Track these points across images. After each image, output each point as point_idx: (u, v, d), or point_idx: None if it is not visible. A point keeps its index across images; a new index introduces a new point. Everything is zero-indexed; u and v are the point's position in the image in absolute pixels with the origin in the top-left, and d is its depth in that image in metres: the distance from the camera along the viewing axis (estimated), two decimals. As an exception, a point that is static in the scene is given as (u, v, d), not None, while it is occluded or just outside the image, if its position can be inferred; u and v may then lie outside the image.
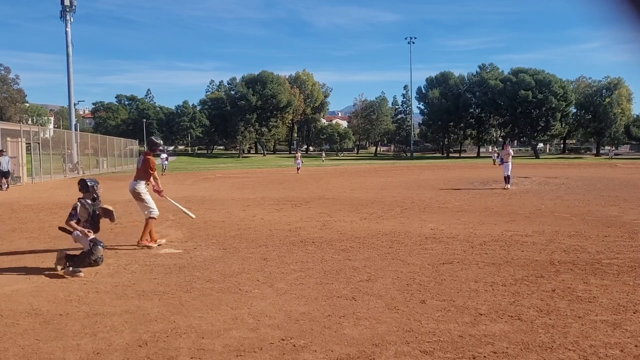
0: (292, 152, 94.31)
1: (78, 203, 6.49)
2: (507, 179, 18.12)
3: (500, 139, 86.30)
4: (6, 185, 20.49)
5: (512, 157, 18.68)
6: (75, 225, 6.34)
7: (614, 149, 78.02)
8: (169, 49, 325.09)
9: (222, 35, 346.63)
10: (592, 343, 3.80)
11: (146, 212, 7.77)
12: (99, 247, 6.24)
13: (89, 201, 6.54)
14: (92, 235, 6.29)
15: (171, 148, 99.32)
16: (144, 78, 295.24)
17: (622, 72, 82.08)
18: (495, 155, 47.46)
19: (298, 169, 32.30)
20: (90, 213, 6.49)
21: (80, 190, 6.65)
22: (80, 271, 6.04)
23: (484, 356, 3.59)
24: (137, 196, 7.78)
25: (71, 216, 6.41)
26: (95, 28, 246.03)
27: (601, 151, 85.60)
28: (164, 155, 34.33)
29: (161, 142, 8.70)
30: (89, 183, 6.63)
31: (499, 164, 21.12)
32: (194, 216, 9.06)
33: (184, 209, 8.74)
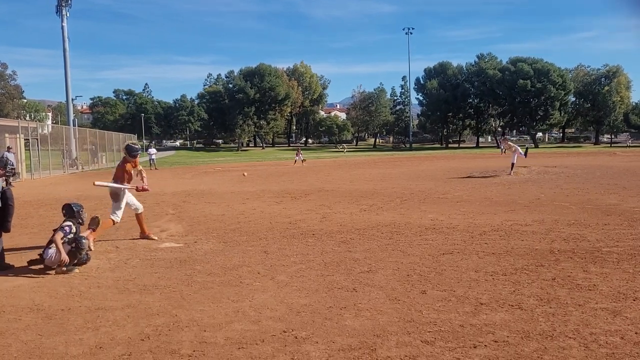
0: (290, 145, 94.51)
1: (70, 223, 6.19)
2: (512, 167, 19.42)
3: (499, 129, 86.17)
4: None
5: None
6: (59, 241, 5.93)
7: (629, 136, 77.85)
8: (166, 43, 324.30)
9: (219, 28, 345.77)
10: (592, 331, 3.81)
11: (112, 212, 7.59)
12: (83, 240, 6.10)
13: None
14: (67, 262, 5.92)
15: (171, 142, 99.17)
16: (142, 72, 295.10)
17: (621, 60, 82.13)
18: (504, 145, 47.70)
19: (302, 161, 33.95)
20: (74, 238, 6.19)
21: (64, 215, 6.39)
22: (75, 269, 5.99)
23: (485, 345, 3.60)
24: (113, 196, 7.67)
25: (63, 231, 6.03)
26: (92, 23, 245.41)
27: (601, 139, 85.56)
28: (152, 151, 34.50)
29: (139, 146, 8.38)
30: (74, 208, 6.38)
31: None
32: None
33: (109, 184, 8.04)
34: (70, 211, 6.39)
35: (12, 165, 6.55)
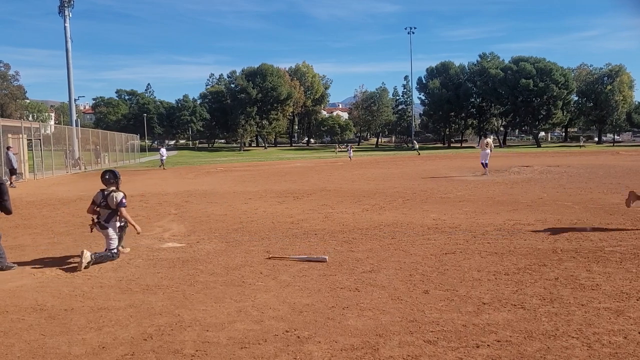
0: (292, 144, 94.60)
1: (124, 193, 6.58)
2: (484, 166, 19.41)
3: (501, 128, 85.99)
4: (10, 182, 20.55)
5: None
6: (130, 218, 6.51)
7: (584, 138, 78.77)
8: (168, 43, 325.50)
9: (221, 28, 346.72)
10: (595, 330, 3.81)
11: None
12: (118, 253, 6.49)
13: None
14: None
15: (172, 142, 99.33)
16: (144, 72, 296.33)
17: (624, 59, 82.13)
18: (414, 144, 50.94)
19: (350, 157, 37.80)
20: None
21: (107, 182, 6.60)
22: (127, 248, 6.53)
23: (488, 345, 3.60)
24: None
25: (125, 205, 6.49)
26: (95, 23, 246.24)
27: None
28: (163, 152, 34.44)
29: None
30: (118, 175, 6.73)
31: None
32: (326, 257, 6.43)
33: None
34: (114, 177, 6.62)
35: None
